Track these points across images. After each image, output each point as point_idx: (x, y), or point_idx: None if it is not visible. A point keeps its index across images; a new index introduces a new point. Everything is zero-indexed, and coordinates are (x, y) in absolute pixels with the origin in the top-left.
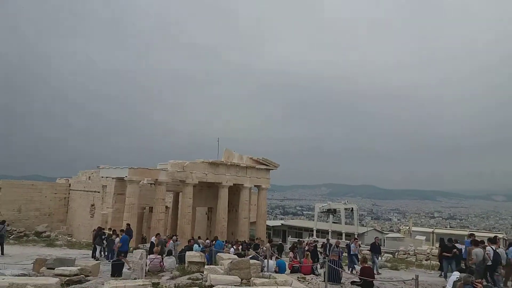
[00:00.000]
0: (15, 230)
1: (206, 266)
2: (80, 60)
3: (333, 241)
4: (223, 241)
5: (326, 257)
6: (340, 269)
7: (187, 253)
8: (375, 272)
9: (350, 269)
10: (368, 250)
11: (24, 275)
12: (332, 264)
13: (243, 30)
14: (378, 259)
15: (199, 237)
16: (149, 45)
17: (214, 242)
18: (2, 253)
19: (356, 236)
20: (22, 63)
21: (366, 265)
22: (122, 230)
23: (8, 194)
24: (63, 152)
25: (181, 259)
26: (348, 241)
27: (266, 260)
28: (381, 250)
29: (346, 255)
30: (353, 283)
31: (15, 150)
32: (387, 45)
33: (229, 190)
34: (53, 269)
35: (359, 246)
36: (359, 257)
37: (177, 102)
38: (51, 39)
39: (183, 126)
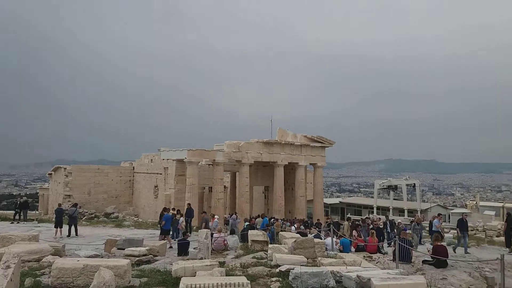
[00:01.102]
0: (87, 212)
1: (270, 245)
2: (140, 47)
3: (394, 219)
4: (274, 218)
5: (392, 235)
6: (410, 247)
7: (250, 231)
8: (464, 252)
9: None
10: (452, 227)
11: (97, 255)
12: (402, 242)
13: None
14: (467, 237)
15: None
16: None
17: (255, 219)
18: (76, 234)
19: (418, 213)
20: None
21: (439, 243)
22: (178, 211)
23: (78, 179)
24: (125, 138)
25: (243, 237)
26: (412, 218)
27: (329, 238)
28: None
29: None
30: (424, 262)
31: (80, 138)
32: None
33: (284, 169)
34: (123, 249)
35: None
36: (443, 234)
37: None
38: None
39: (240, 109)
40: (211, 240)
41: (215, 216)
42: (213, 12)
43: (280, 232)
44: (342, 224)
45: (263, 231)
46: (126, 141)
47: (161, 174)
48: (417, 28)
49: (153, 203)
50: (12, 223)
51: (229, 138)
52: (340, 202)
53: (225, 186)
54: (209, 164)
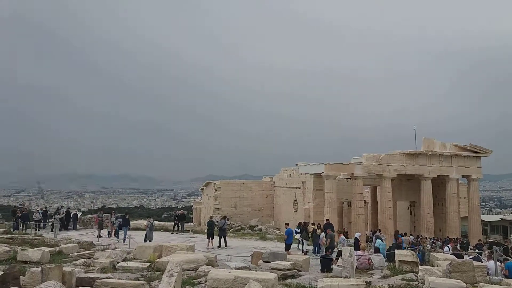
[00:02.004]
0: (233, 224)
1: (420, 267)
2: (259, 60)
3: None
4: (422, 236)
5: None
6: None
7: (397, 251)
8: None
9: None
10: None
11: (245, 267)
12: None
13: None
14: None
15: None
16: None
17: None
18: (226, 245)
19: None
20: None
21: None
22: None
23: (226, 193)
24: (266, 152)
25: (389, 257)
26: None
27: (492, 261)
28: None
29: None
30: None
31: (226, 154)
32: None
33: (432, 182)
34: (269, 262)
35: None
36: None
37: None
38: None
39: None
40: (355, 258)
41: (341, 233)
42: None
43: (432, 253)
44: (504, 245)
45: (413, 251)
46: (266, 155)
47: (299, 188)
48: None
49: (293, 217)
50: (172, 233)
51: (366, 150)
52: (502, 219)
53: (365, 201)
54: (347, 178)
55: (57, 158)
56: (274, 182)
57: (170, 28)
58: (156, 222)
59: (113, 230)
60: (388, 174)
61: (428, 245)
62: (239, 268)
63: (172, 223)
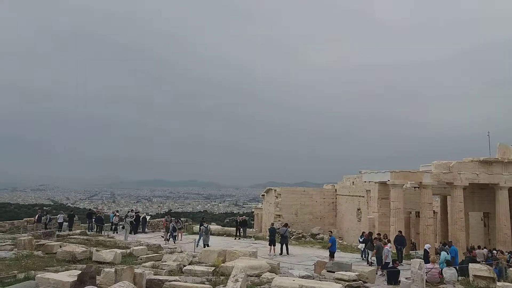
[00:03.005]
0: (295, 232)
1: (498, 283)
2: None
3: None
4: (497, 250)
5: None
6: None
7: (471, 265)
8: None
9: None
10: None
11: (309, 276)
12: None
13: None
14: None
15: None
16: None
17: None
18: (287, 252)
19: None
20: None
21: None
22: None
23: (287, 200)
24: (327, 159)
25: (462, 270)
26: None
27: None
28: None
29: None
30: None
31: (287, 160)
32: None
33: (509, 192)
34: (333, 272)
35: None
36: None
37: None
38: None
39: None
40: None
41: (388, 244)
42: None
43: (511, 268)
44: None
45: (489, 266)
46: (327, 162)
47: (363, 196)
48: None
49: (356, 226)
50: (235, 239)
51: (436, 154)
52: None
53: (434, 211)
54: (415, 187)
55: (130, 165)
56: (336, 190)
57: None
58: (219, 227)
59: (180, 234)
60: (460, 182)
61: (505, 260)
62: (302, 277)
63: (234, 228)
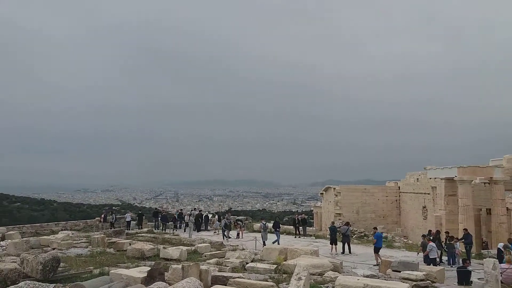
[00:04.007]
0: (356, 231)
1: None
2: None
3: None
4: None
5: None
6: None
7: None
8: None
9: None
10: None
11: (373, 275)
12: None
13: None
14: None
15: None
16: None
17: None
18: (349, 251)
19: None
20: None
21: None
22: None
23: (347, 198)
24: (390, 156)
25: None
26: None
27: None
28: None
29: None
30: None
31: (346, 159)
32: None
33: None
34: (398, 271)
35: None
36: None
37: None
38: None
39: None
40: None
41: (430, 240)
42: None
43: None
44: None
45: None
46: (390, 159)
47: (428, 194)
48: None
49: (422, 224)
50: (295, 237)
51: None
52: None
53: (507, 208)
54: (484, 183)
55: (192, 165)
56: (399, 187)
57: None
58: None
59: (241, 232)
60: None
61: None
62: (367, 276)
63: (292, 227)
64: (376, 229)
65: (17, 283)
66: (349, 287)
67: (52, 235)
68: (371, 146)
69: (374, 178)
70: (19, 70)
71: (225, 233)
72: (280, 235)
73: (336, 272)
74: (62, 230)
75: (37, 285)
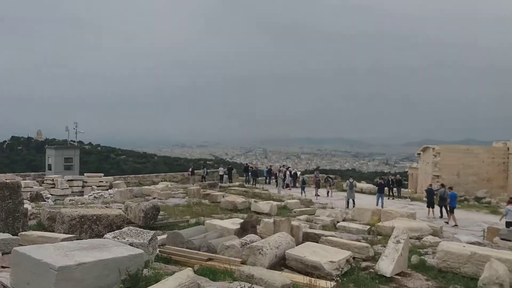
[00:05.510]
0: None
1: None
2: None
3: None
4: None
5: None
6: None
7: None
8: None
9: None
10: None
11: (480, 243)
12: None
13: None
14: None
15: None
16: None
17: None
18: (448, 216)
19: None
20: None
21: None
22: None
23: (446, 159)
24: (495, 115)
25: None
26: None
27: None
28: None
29: None
30: None
31: (447, 117)
32: None
33: None
34: (508, 240)
35: None
36: None
37: None
38: None
39: None
40: None
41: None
42: None
43: None
44: None
45: None
46: (496, 118)
47: None
48: None
49: None
50: (388, 198)
51: None
52: None
53: None
54: None
55: (281, 122)
56: (508, 148)
57: None
58: (371, 185)
59: (331, 191)
60: None
61: None
62: (471, 243)
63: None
64: (451, 188)
65: (122, 228)
66: (453, 253)
67: (152, 185)
68: (473, 99)
69: (477, 137)
70: None
71: (304, 189)
72: (372, 196)
73: (436, 237)
74: (161, 181)
75: (139, 231)
